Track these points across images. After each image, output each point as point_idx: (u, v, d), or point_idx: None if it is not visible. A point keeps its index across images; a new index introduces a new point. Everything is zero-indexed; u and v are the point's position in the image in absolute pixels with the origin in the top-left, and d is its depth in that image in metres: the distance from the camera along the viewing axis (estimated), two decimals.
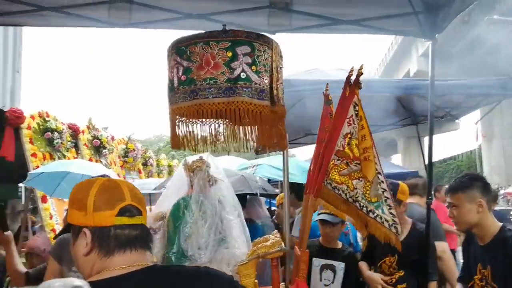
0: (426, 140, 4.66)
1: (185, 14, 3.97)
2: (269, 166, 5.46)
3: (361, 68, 2.35)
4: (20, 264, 3.04)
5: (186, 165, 2.45)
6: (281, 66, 2.31)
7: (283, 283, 2.59)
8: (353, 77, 2.37)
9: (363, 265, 3.65)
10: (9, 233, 3.04)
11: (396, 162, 30.70)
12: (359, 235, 4.66)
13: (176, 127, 2.21)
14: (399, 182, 3.67)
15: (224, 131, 2.38)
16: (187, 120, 2.23)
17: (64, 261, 2.82)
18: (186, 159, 2.49)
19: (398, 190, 3.51)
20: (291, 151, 21.38)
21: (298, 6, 4.00)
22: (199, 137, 2.29)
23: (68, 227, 1.44)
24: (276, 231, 2.57)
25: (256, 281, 2.57)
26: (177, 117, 2.24)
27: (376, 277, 3.45)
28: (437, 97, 4.98)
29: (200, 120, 2.29)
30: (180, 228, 2.27)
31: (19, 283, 3.02)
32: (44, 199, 6.57)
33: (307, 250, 3.61)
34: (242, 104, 2.09)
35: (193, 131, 2.20)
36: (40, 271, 3.03)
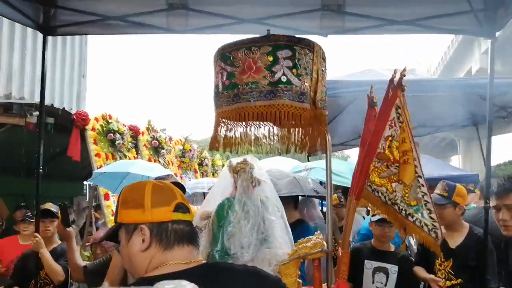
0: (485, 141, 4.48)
1: (239, 19, 4.07)
2: (322, 169, 5.44)
3: (404, 70, 2.32)
4: (79, 258, 3.26)
5: (231, 166, 2.53)
6: (323, 68, 2.34)
7: (325, 283, 2.60)
8: (396, 79, 2.35)
9: (419, 269, 3.55)
10: (70, 229, 3.26)
11: (456, 163, 29.35)
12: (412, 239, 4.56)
13: (219, 129, 2.30)
14: (457, 184, 3.57)
15: (267, 133, 2.44)
16: (229, 122, 2.31)
17: None
18: (231, 161, 2.57)
19: (454, 192, 3.43)
20: (346, 152, 21.02)
21: (350, 8, 3.97)
22: (242, 138, 2.37)
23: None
24: (318, 232, 2.59)
25: (299, 280, 2.61)
26: (222, 119, 2.32)
27: (437, 278, 3.34)
28: (499, 96, 4.77)
29: (243, 122, 2.37)
30: (224, 227, 2.35)
31: (77, 275, 3.24)
32: (106, 197, 6.93)
33: (358, 252, 3.63)
34: (282, 107, 2.14)
35: (235, 134, 2.28)
36: (97, 265, 3.23)
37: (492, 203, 2.52)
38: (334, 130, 6.79)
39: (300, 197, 4.40)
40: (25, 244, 4.38)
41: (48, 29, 4.13)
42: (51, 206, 3.89)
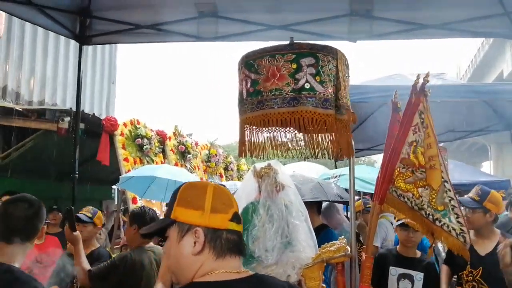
0: None
1: (268, 26, 4.14)
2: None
3: (427, 75, 2.33)
4: (85, 262, 3.30)
5: (255, 171, 2.58)
6: (346, 75, 2.36)
7: None
8: (419, 85, 2.36)
9: (443, 271, 3.53)
10: (77, 233, 3.32)
11: (487, 169, 28.58)
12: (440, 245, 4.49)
13: (245, 136, 2.35)
14: (492, 190, 3.49)
15: (292, 138, 2.48)
16: (254, 128, 2.36)
17: None
18: (255, 166, 2.62)
19: (487, 198, 3.37)
20: (372, 157, 20.76)
21: (379, 12, 3.98)
22: (268, 144, 2.41)
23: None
24: (342, 236, 2.60)
25: (323, 285, 2.63)
26: (246, 126, 2.37)
27: None
28: None
29: (268, 128, 2.42)
30: (249, 231, 2.40)
31: (82, 278, 3.29)
32: (134, 201, 7.09)
33: (383, 258, 3.60)
34: (306, 113, 2.17)
35: (259, 140, 2.32)
36: (101, 269, 3.28)
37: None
38: (361, 135, 6.78)
39: (324, 203, 4.40)
40: (39, 243, 4.54)
41: (84, 38, 4.31)
42: (88, 211, 3.99)
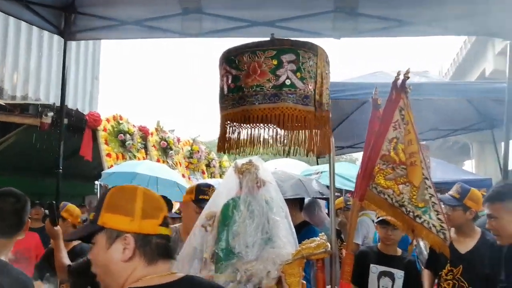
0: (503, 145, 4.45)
1: (252, 22, 4.13)
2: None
3: (407, 72, 2.35)
4: (65, 257, 3.28)
5: (236, 167, 2.57)
6: (327, 72, 2.37)
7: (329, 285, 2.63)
8: (399, 81, 2.37)
9: (425, 276, 3.52)
10: (58, 228, 3.30)
11: (469, 168, 28.96)
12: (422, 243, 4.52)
13: (226, 132, 2.34)
14: (472, 188, 3.50)
15: (274, 135, 2.49)
16: (236, 125, 2.36)
17: None
18: (236, 162, 2.61)
19: (467, 196, 3.37)
20: (354, 155, 20.90)
21: (364, 9, 3.99)
22: (249, 140, 2.41)
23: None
24: (323, 233, 2.62)
25: (304, 282, 2.64)
26: (227, 122, 2.37)
27: None
28: None
29: (249, 125, 2.41)
30: (229, 227, 2.39)
31: (62, 274, 3.26)
32: None
33: (364, 255, 3.62)
34: (286, 110, 2.17)
35: (240, 136, 2.32)
36: (80, 264, 3.26)
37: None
38: (342, 132, 6.81)
39: (306, 199, 4.41)
40: (32, 229, 4.52)
41: (68, 34, 4.28)
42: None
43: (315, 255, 2.35)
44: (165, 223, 1.41)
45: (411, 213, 2.36)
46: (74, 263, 3.31)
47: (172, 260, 1.44)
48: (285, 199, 3.76)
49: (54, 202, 3.51)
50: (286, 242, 2.44)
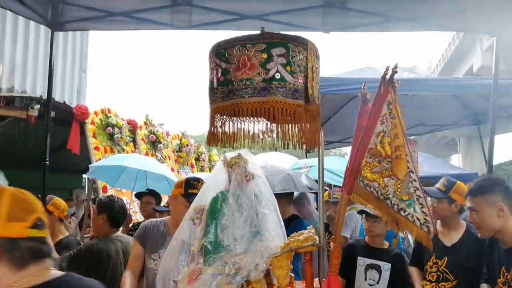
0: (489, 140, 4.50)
1: (242, 15, 4.12)
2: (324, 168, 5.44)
3: (395, 67, 2.37)
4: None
5: (225, 161, 2.57)
6: (316, 66, 2.38)
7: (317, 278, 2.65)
8: (387, 76, 2.39)
9: (413, 272, 3.54)
10: None
11: (456, 162, 29.24)
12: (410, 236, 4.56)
13: (215, 125, 2.34)
14: (457, 181, 3.54)
15: (263, 129, 2.49)
16: (226, 118, 2.36)
17: (148, 246, 3.06)
18: (225, 155, 2.61)
19: (452, 188, 3.40)
20: (344, 149, 21.04)
21: (353, 4, 4.00)
22: (238, 134, 2.41)
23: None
24: (311, 226, 2.63)
25: (292, 275, 2.66)
26: (216, 115, 2.37)
27: None
28: (501, 97, 4.80)
29: (238, 118, 2.41)
30: (218, 220, 2.40)
31: None
32: (104, 190, 7.01)
33: (352, 248, 3.66)
34: (276, 103, 2.18)
35: (230, 129, 2.32)
36: (65, 258, 3.25)
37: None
38: (332, 127, 6.84)
39: (296, 193, 4.43)
40: None
41: (55, 24, 4.22)
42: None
43: (303, 248, 2.36)
44: (36, 225, 1.34)
45: (395, 206, 2.38)
46: (60, 257, 3.30)
47: (48, 259, 1.37)
48: (274, 194, 3.80)
49: (39, 195, 3.48)
50: (275, 235, 2.45)
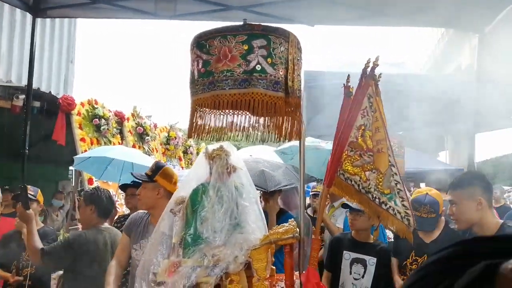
0: (476, 137, 4.53)
1: (226, 6, 4.09)
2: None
3: (376, 60, 2.37)
4: (38, 240, 3.27)
5: (207, 153, 2.57)
6: (298, 58, 2.37)
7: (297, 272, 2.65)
8: (368, 69, 2.39)
9: (394, 264, 3.54)
10: (30, 211, 3.28)
11: (443, 159, 29.49)
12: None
13: (195, 117, 2.33)
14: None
15: (243, 122, 2.48)
16: (206, 111, 2.34)
17: (131, 236, 3.13)
18: (207, 148, 2.60)
19: None
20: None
21: None
22: (217, 127, 2.40)
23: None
24: (293, 219, 2.64)
25: (273, 267, 2.66)
26: (197, 107, 2.35)
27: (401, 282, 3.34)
28: (486, 94, 4.82)
29: (220, 111, 2.40)
30: (198, 212, 2.40)
31: (35, 257, 3.27)
32: (90, 181, 6.95)
33: (338, 242, 3.66)
34: (257, 95, 2.17)
35: (211, 122, 2.31)
36: (54, 247, 3.26)
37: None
38: (317, 122, 6.84)
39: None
40: (4, 215, 4.50)
41: (38, 11, 4.14)
42: (29, 190, 3.90)
43: (283, 240, 2.36)
44: None
45: (377, 200, 2.40)
46: (48, 246, 3.31)
47: None
48: (270, 191, 3.83)
49: (25, 185, 3.45)
50: (255, 228, 2.45)
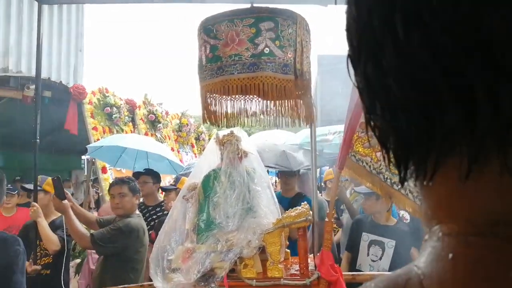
0: None
1: None
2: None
3: None
4: (81, 227, 3.33)
5: (217, 139, 2.56)
6: (307, 40, 2.33)
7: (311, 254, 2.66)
8: None
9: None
10: (66, 201, 3.31)
11: None
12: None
13: (207, 103, 2.32)
14: None
15: (254, 107, 2.47)
16: (217, 96, 2.34)
17: None
18: (218, 133, 2.60)
19: None
20: None
21: None
22: (229, 113, 2.40)
23: None
24: (305, 202, 2.63)
25: (288, 250, 2.67)
26: (207, 93, 2.34)
27: None
28: None
29: (230, 96, 2.39)
30: (210, 198, 2.40)
31: (84, 243, 3.32)
32: (104, 170, 6.99)
33: (359, 223, 3.65)
34: (266, 79, 2.15)
35: (221, 108, 2.30)
36: (104, 233, 3.27)
37: None
38: (333, 105, 6.80)
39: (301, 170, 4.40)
40: (9, 216, 4.54)
41: None
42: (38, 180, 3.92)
43: (296, 223, 2.36)
44: None
45: (388, 180, 2.37)
46: (96, 232, 3.36)
47: None
48: (291, 171, 3.84)
49: (59, 176, 3.48)
50: (268, 212, 2.45)
